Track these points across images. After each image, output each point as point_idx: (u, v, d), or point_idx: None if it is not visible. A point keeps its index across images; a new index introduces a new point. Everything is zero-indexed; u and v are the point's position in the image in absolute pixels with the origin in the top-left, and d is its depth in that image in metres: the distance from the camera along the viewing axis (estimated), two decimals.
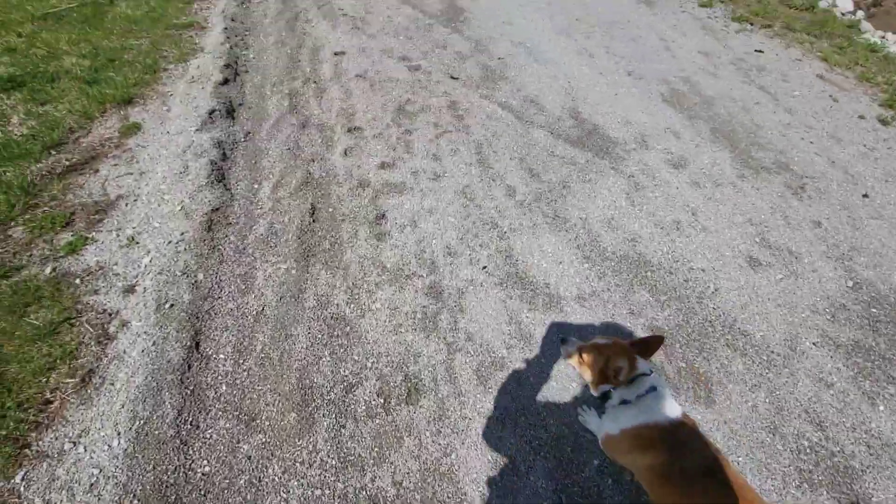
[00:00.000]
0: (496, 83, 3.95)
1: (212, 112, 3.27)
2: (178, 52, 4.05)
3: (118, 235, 2.48)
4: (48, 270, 2.30)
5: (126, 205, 2.65)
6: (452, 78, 3.98)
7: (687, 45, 4.75)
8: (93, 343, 2.04)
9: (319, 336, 2.12)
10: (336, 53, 4.20)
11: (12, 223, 2.52)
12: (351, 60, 4.10)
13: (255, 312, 2.20)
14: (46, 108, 3.31)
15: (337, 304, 2.26)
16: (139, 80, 3.65)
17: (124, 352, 1.99)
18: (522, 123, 3.50)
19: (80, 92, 3.43)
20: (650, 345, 1.55)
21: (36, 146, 2.94)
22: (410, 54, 4.27)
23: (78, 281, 2.27)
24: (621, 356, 1.47)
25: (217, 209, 2.64)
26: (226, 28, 4.35)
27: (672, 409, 1.40)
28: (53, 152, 2.98)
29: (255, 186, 2.86)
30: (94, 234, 2.50)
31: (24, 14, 4.33)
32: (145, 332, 2.05)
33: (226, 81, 3.65)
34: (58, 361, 1.97)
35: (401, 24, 4.78)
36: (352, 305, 2.26)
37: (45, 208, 2.62)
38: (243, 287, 2.30)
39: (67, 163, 2.89)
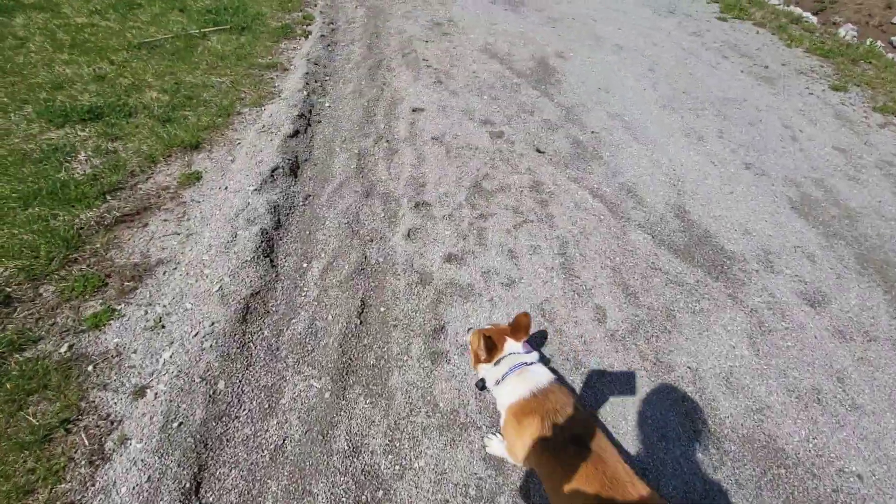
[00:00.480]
0: (588, 163, 3.46)
1: (275, 170, 3.02)
2: (255, 95, 3.91)
3: (146, 313, 2.19)
4: (64, 349, 2.04)
5: (164, 273, 2.39)
6: (538, 151, 3.54)
7: (818, 136, 4.03)
8: (84, 463, 1.70)
9: (344, 501, 1.67)
10: (414, 110, 3.90)
11: (46, 279, 2.31)
12: (429, 119, 3.78)
13: (273, 447, 1.80)
14: (116, 146, 3.21)
15: (372, 452, 1.81)
16: (211, 122, 3.51)
17: (114, 484, 1.63)
18: (617, 219, 2.97)
19: (152, 131, 3.32)
20: (519, 324, 1.67)
21: (93, 190, 2.78)
22: (494, 117, 3.89)
23: (91, 368, 1.98)
24: (487, 336, 1.60)
25: (257, 293, 2.31)
26: (307, 73, 4.20)
27: (541, 377, 1.50)
28: (109, 197, 2.82)
29: (304, 266, 2.52)
30: (123, 305, 2.23)
31: (121, 41, 4.41)
32: (143, 461, 1.69)
33: (296, 133, 3.42)
34: (39, 483, 1.64)
35: (486, 81, 4.45)
36: (390, 457, 1.80)
37: (83, 266, 2.41)
38: (266, 406, 1.92)
39: (118, 213, 2.71)
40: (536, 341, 2.24)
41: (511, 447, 1.52)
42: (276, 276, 2.44)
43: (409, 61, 4.74)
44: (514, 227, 2.84)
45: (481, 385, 1.73)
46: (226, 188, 2.91)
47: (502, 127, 3.79)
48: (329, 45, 4.93)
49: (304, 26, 5.28)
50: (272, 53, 4.66)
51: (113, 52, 4.27)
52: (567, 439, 1.32)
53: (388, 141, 3.54)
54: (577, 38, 5.54)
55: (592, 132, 3.83)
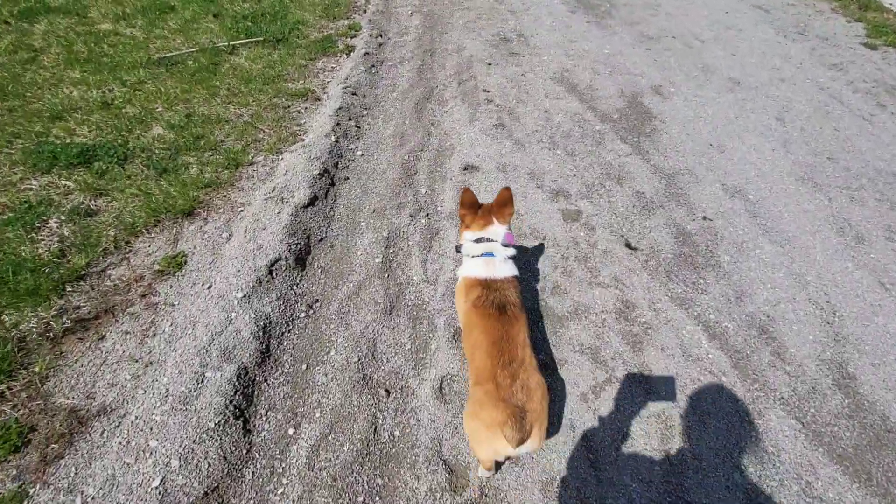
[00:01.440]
0: (699, 272, 2.49)
1: (274, 263, 2.29)
2: (275, 137, 3.21)
3: None
4: None
5: (102, 434, 1.73)
6: (628, 247, 2.60)
7: None
8: None
9: None
10: (466, 168, 3.06)
11: None
12: (483, 183, 2.93)
13: None
14: (98, 205, 2.61)
15: None
16: (214, 178, 2.84)
17: None
18: (747, 385, 2.02)
19: (143, 188, 2.70)
20: (503, 198, 1.83)
21: (52, 278, 2.18)
22: (569, 185, 2.98)
23: None
24: (472, 211, 1.84)
25: (214, 489, 1.60)
26: (340, 107, 3.44)
27: (500, 271, 1.73)
28: (69, 288, 2.21)
29: (290, 433, 1.79)
30: (38, 488, 1.59)
31: (141, 55, 3.84)
32: None
33: (313, 201, 2.68)
34: None
35: (561, 127, 3.51)
36: None
37: (5, 409, 1.80)
38: None
39: (73, 317, 2.09)
40: None
41: (457, 301, 1.86)
42: (247, 450, 1.72)
43: (465, 92, 3.87)
44: (592, 390, 1.96)
45: (458, 249, 1.90)
46: (209, 287, 2.22)
47: (580, 202, 2.87)
48: (373, 66, 4.14)
49: (349, 38, 4.52)
50: (306, 76, 3.93)
51: (129, 69, 3.71)
52: (491, 304, 1.63)
53: (428, 215, 2.73)
54: (679, 65, 4.42)
55: (704, 218, 2.83)
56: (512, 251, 1.81)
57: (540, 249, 2.56)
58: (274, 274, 2.27)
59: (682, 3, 5.73)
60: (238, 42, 4.18)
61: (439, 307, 2.24)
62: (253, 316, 2.07)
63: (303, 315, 2.19)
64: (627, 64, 4.39)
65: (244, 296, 2.14)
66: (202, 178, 2.81)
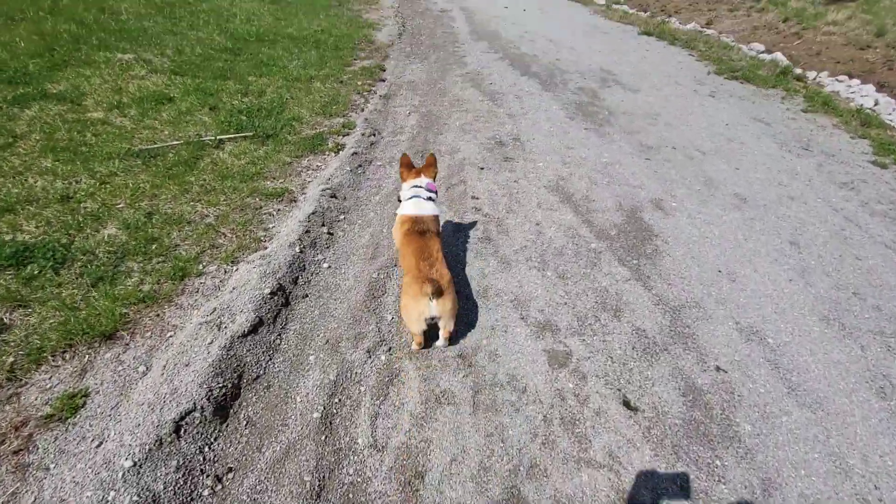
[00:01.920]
0: (714, 449, 2.00)
1: (185, 417, 1.85)
2: (235, 244, 2.92)
3: None
4: None
5: None
6: (627, 407, 2.14)
7: None
8: None
9: None
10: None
11: None
12: (459, 316, 2.54)
13: None
14: (13, 319, 2.25)
15: None
16: (153, 291, 2.50)
17: None
18: None
19: (69, 299, 2.35)
20: (428, 162, 2.68)
21: None
22: (558, 318, 2.58)
23: None
24: (408, 169, 2.60)
25: None
26: (315, 211, 3.19)
27: (423, 209, 2.39)
28: None
29: None
30: None
31: (121, 147, 3.72)
32: None
33: (256, 328, 2.30)
34: None
35: (553, 243, 3.20)
36: None
37: None
38: None
39: None
40: None
41: (394, 232, 2.51)
42: None
43: (453, 198, 3.64)
44: None
45: (399, 198, 2.56)
46: (99, 445, 1.77)
47: (569, 340, 2.45)
48: (360, 166, 3.98)
49: (341, 137, 4.44)
50: (287, 174, 3.76)
51: (104, 160, 3.56)
52: (417, 232, 2.28)
53: (389, 349, 2.32)
54: (681, 177, 4.23)
55: (718, 368, 2.38)
56: (433, 195, 2.53)
57: (520, 404, 2.10)
58: (182, 432, 1.82)
59: (682, 114, 5.73)
60: (225, 136, 4.09)
61: (384, 489, 1.75)
62: (136, 498, 1.59)
63: (206, 493, 1.70)
64: (626, 174, 4.20)
65: (133, 464, 1.68)
66: (138, 292, 2.48)
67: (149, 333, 2.29)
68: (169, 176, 3.50)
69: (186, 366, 2.05)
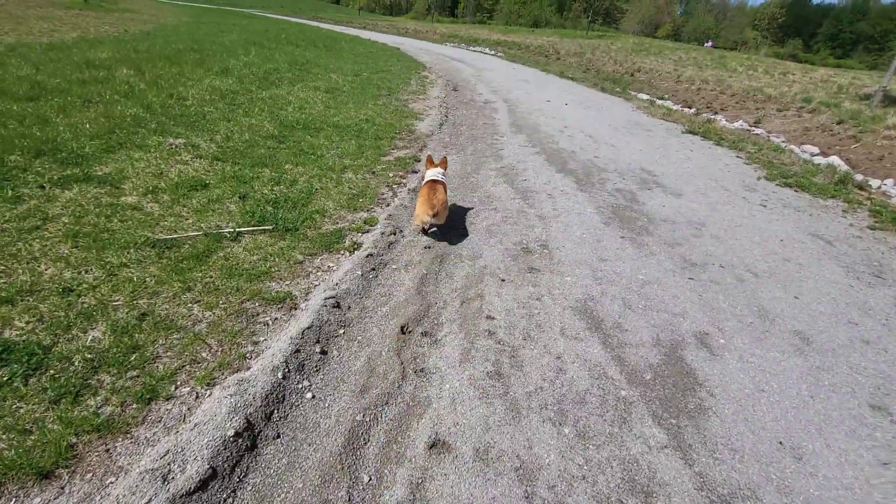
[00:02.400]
0: None
1: None
2: (217, 360, 2.68)
3: None
4: None
5: None
6: None
7: None
8: None
9: None
10: (433, 445, 2.28)
11: None
12: (450, 481, 2.10)
13: None
14: None
15: None
16: (111, 417, 2.25)
17: None
18: None
19: (25, 419, 2.14)
20: (443, 162, 4.69)
21: None
22: (572, 500, 2.07)
23: None
24: (431, 163, 4.59)
25: None
26: (311, 325, 2.94)
27: (438, 177, 4.29)
28: None
29: None
30: None
31: (140, 236, 3.72)
32: None
33: (207, 481, 1.95)
34: None
35: (574, 386, 2.74)
36: None
37: None
38: None
39: None
40: None
41: (420, 190, 4.20)
42: None
43: (466, 316, 3.31)
44: None
45: (423, 179, 4.37)
46: None
47: None
48: (373, 269, 3.78)
49: (360, 234, 4.31)
50: (296, 275, 3.60)
51: (120, 249, 3.55)
52: (432, 183, 4.13)
53: None
54: (731, 306, 3.72)
55: None
56: (443, 175, 4.41)
57: None
58: None
59: (730, 225, 5.30)
60: (244, 229, 4.05)
61: None
62: None
63: None
64: (666, 297, 3.75)
65: None
66: (96, 416, 2.23)
67: (90, 475, 2.00)
68: (177, 270, 3.42)
69: None
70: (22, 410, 2.22)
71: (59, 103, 6.51)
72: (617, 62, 24.52)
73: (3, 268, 3.20)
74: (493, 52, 28.10)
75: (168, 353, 2.69)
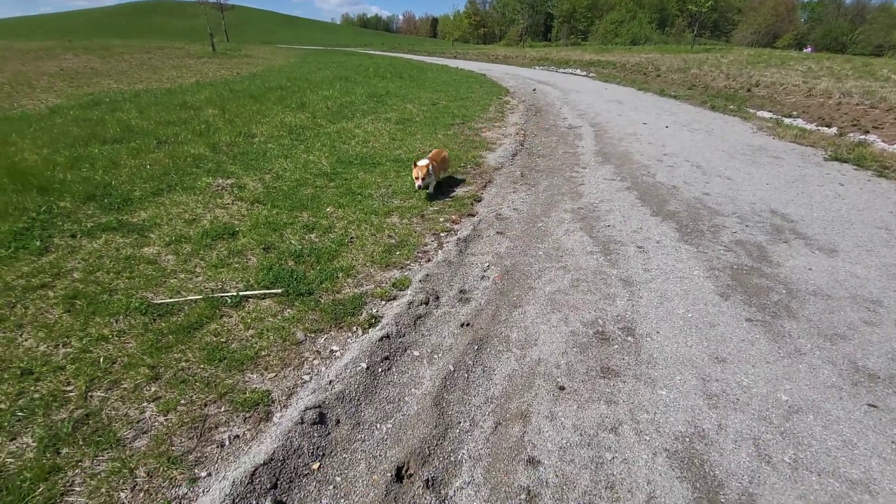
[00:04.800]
0: None
1: None
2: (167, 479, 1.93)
3: None
4: None
5: None
6: None
7: None
8: None
9: None
10: None
11: None
12: None
13: None
14: None
15: None
16: None
17: None
18: None
19: None
20: (443, 159, 6.00)
21: None
22: None
23: None
24: (425, 167, 5.34)
25: None
26: (269, 460, 2.09)
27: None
28: None
29: None
30: None
31: (135, 301, 3.26)
32: None
33: None
34: None
35: None
36: None
37: None
38: None
39: None
40: None
41: (413, 169, 5.37)
42: None
43: (497, 453, 2.24)
44: None
45: (415, 163, 5.49)
46: None
47: None
48: (385, 360, 2.88)
49: (384, 302, 3.47)
50: (286, 363, 2.83)
51: (110, 316, 3.10)
52: (418, 163, 5.34)
53: None
54: None
55: None
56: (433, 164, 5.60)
57: None
58: None
59: None
60: (249, 293, 3.41)
61: None
62: None
63: None
64: (832, 444, 2.32)
65: None
66: None
67: None
68: (155, 349, 2.84)
69: None
70: None
71: (135, 146, 6.74)
72: (729, 76, 21.53)
73: None
74: (584, 73, 26.56)
75: (82, 487, 2.01)
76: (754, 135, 9.87)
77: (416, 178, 5.30)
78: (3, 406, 2.40)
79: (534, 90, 16.83)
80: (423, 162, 5.45)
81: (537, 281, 3.89)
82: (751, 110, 13.30)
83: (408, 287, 3.67)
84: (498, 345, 3.06)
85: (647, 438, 2.34)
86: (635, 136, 9.60)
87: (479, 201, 5.72)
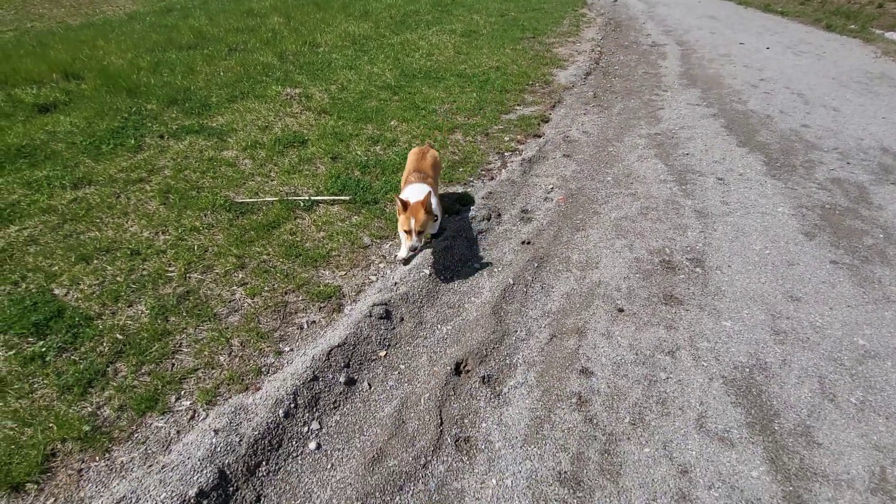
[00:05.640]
0: None
1: None
2: (230, 371, 2.29)
3: None
4: None
5: None
6: None
7: None
8: None
9: None
10: None
11: None
12: None
13: None
14: None
15: None
16: (100, 426, 1.99)
17: None
18: None
19: (30, 409, 2.01)
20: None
21: None
22: None
23: None
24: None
25: None
26: (342, 343, 2.34)
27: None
28: None
29: None
30: None
31: (219, 199, 3.53)
32: None
33: None
34: None
35: None
36: None
37: None
38: None
39: None
40: None
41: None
42: None
43: (551, 361, 2.36)
44: None
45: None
46: None
47: None
48: (446, 269, 2.99)
49: (447, 215, 3.52)
50: (356, 264, 3.03)
51: (200, 210, 3.40)
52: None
53: None
54: None
55: None
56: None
57: None
58: None
59: None
60: (321, 198, 3.58)
61: None
62: None
63: None
64: None
65: None
66: (87, 422, 1.97)
67: (51, 501, 1.73)
68: (240, 241, 3.12)
69: None
70: (37, 394, 2.08)
71: (208, 52, 6.87)
72: None
73: (98, 221, 3.25)
74: None
75: (188, 349, 2.36)
76: (876, 60, 8.41)
77: (408, 233, 2.63)
78: (120, 279, 2.77)
79: (614, 1, 15.00)
80: (416, 192, 2.77)
81: (603, 206, 3.76)
82: (877, 31, 11.21)
83: (470, 204, 3.68)
84: (558, 264, 3.08)
85: (705, 364, 2.34)
86: (728, 57, 8.49)
87: (547, 122, 5.45)
